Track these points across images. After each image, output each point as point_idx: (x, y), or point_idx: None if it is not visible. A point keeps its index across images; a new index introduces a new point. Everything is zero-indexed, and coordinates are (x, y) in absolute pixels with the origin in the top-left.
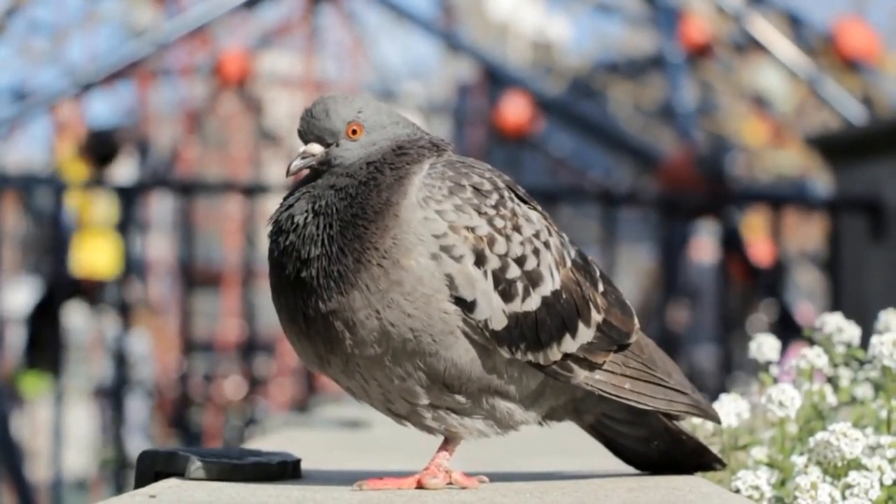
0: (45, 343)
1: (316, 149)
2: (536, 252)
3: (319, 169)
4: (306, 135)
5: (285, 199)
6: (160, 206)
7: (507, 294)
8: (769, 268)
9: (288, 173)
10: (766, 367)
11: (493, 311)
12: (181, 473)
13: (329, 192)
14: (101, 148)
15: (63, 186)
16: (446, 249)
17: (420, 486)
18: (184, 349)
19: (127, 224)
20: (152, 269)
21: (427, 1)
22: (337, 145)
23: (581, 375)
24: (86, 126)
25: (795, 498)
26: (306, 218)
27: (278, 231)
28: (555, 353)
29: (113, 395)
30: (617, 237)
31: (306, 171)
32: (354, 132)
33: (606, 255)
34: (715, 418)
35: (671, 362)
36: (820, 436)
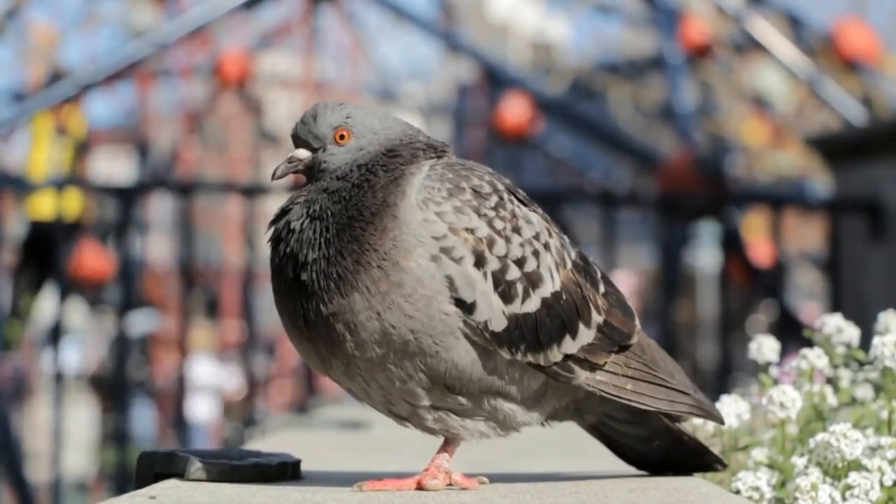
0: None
1: (302, 154)
2: (536, 254)
3: (307, 174)
4: (296, 139)
5: (281, 205)
6: (160, 207)
7: (506, 295)
8: (769, 268)
9: (273, 177)
10: (766, 368)
11: (493, 313)
12: (181, 474)
13: (322, 196)
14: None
15: (63, 185)
16: (446, 251)
17: (420, 487)
18: (184, 350)
19: (127, 224)
20: (152, 269)
21: (427, 1)
22: (324, 150)
23: (582, 376)
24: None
25: (796, 499)
26: (302, 223)
27: (277, 238)
28: (555, 355)
29: (115, 396)
30: (617, 238)
31: (295, 176)
32: (342, 137)
33: (606, 256)
34: (717, 418)
35: (673, 363)
36: (820, 437)
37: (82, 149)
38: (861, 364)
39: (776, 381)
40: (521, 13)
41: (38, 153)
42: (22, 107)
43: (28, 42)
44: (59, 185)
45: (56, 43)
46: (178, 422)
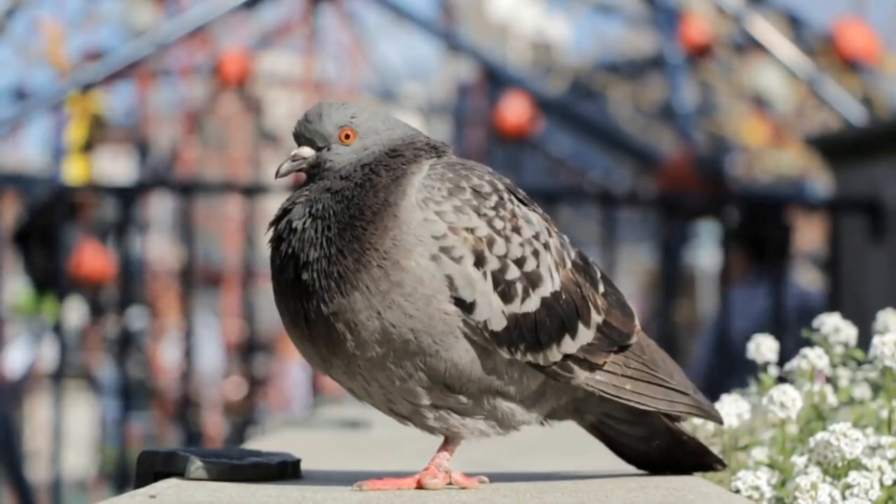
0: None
1: (307, 152)
2: (536, 253)
3: (310, 172)
4: (299, 138)
5: (282, 204)
6: (160, 206)
7: (506, 295)
8: None
9: (277, 175)
10: (765, 367)
11: (493, 312)
12: (181, 474)
13: (325, 196)
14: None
15: (63, 186)
16: (446, 250)
17: (420, 486)
18: (184, 349)
19: (127, 224)
20: (152, 269)
21: (427, 1)
22: (328, 149)
23: (581, 376)
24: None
25: (795, 498)
26: (304, 222)
27: (277, 237)
28: (554, 354)
29: (115, 395)
30: (617, 238)
31: (295, 174)
32: (347, 137)
33: (606, 256)
34: (717, 419)
35: (673, 363)
36: (820, 436)
37: (100, 129)
38: (860, 363)
39: (776, 381)
40: (521, 13)
41: (77, 133)
42: (22, 106)
43: (32, 40)
44: (61, 186)
45: (62, 39)
46: (180, 421)
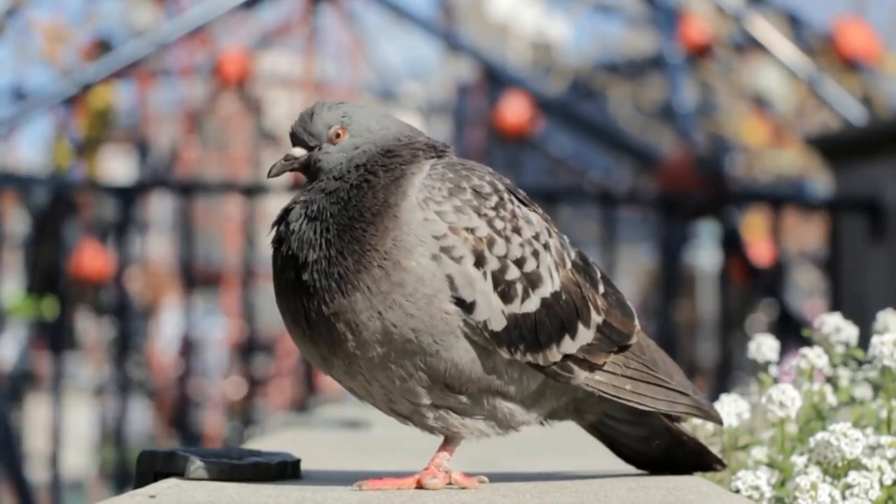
0: (42, 265)
1: (298, 152)
2: (536, 254)
3: (304, 172)
4: (294, 138)
5: (285, 205)
6: (160, 206)
7: (506, 295)
8: (769, 268)
9: (269, 175)
10: (765, 367)
11: (493, 312)
12: (181, 474)
13: (320, 196)
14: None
15: (63, 187)
16: (446, 250)
17: (420, 486)
18: (184, 349)
19: (127, 224)
20: (152, 269)
21: (427, 1)
22: (320, 148)
23: (581, 376)
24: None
25: (795, 498)
26: (301, 224)
27: (278, 239)
28: (554, 355)
29: (115, 395)
30: (617, 237)
31: (296, 175)
32: (338, 136)
33: (606, 256)
34: (716, 419)
35: (672, 363)
36: (820, 436)
37: (106, 124)
38: (860, 363)
39: (776, 380)
40: (521, 13)
41: (84, 130)
42: (22, 106)
43: (30, 40)
44: (61, 186)
45: (61, 38)
46: (179, 421)
